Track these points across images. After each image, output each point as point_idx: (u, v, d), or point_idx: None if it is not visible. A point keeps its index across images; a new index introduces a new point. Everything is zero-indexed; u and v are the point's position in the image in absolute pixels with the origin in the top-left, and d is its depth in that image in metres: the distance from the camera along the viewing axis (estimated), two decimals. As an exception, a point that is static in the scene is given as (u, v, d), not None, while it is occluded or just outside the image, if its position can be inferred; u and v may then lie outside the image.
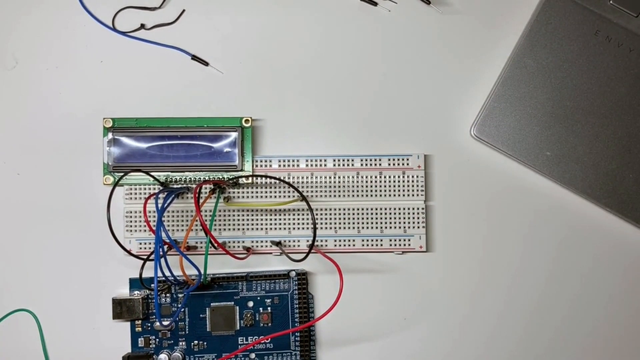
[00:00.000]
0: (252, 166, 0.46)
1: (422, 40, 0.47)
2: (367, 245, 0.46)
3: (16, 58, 0.47)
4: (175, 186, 0.45)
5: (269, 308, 0.45)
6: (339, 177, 0.46)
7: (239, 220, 0.46)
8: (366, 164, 0.46)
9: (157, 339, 0.45)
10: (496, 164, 0.46)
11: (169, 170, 0.45)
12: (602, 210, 0.46)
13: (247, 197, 0.46)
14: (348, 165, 0.46)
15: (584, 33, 0.45)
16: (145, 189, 0.46)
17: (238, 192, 0.46)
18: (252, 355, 0.45)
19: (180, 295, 0.45)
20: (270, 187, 0.46)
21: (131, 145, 0.45)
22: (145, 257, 0.42)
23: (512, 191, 0.46)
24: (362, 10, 0.47)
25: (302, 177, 0.46)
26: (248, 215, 0.46)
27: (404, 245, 0.46)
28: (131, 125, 0.46)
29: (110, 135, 0.45)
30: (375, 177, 0.46)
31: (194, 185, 0.45)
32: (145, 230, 0.45)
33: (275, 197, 0.46)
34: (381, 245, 0.46)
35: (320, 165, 0.46)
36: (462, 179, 0.46)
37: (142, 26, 0.47)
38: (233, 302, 0.45)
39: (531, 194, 0.46)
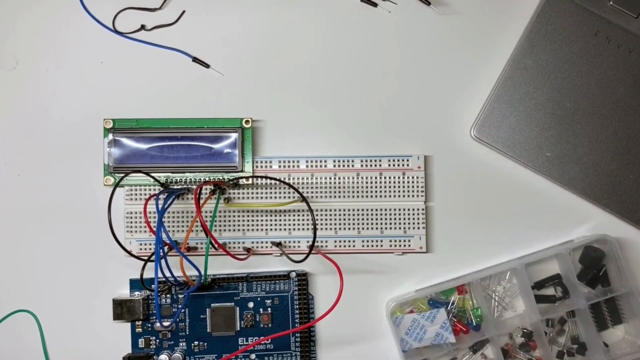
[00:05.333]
0: (253, 167, 0.46)
1: (422, 41, 0.47)
2: (367, 246, 0.46)
3: (16, 58, 0.47)
4: (175, 187, 0.45)
5: (269, 309, 0.45)
6: (339, 178, 0.46)
7: (239, 221, 0.46)
8: (366, 165, 0.46)
9: (158, 340, 0.45)
10: (496, 164, 0.46)
11: (170, 171, 0.45)
12: (602, 211, 0.46)
13: (248, 197, 0.46)
14: (348, 166, 0.46)
15: (584, 34, 0.45)
16: (145, 189, 0.46)
17: (238, 193, 0.46)
18: (253, 356, 0.45)
19: (180, 296, 0.45)
20: (271, 188, 0.46)
21: (131, 146, 0.45)
22: (145, 258, 0.42)
23: (512, 192, 0.46)
24: (362, 11, 0.47)
25: (302, 178, 0.46)
26: (248, 216, 0.46)
27: (404, 246, 0.46)
28: (131, 126, 0.46)
29: (110, 136, 0.45)
30: (375, 177, 0.46)
31: (194, 186, 0.45)
32: (145, 231, 0.45)
33: (276, 198, 0.46)
34: (381, 246, 0.46)
35: (321, 166, 0.46)
36: (462, 180, 0.46)
37: (143, 27, 0.47)
38: (233, 303, 0.45)
39: (531, 195, 0.46)
